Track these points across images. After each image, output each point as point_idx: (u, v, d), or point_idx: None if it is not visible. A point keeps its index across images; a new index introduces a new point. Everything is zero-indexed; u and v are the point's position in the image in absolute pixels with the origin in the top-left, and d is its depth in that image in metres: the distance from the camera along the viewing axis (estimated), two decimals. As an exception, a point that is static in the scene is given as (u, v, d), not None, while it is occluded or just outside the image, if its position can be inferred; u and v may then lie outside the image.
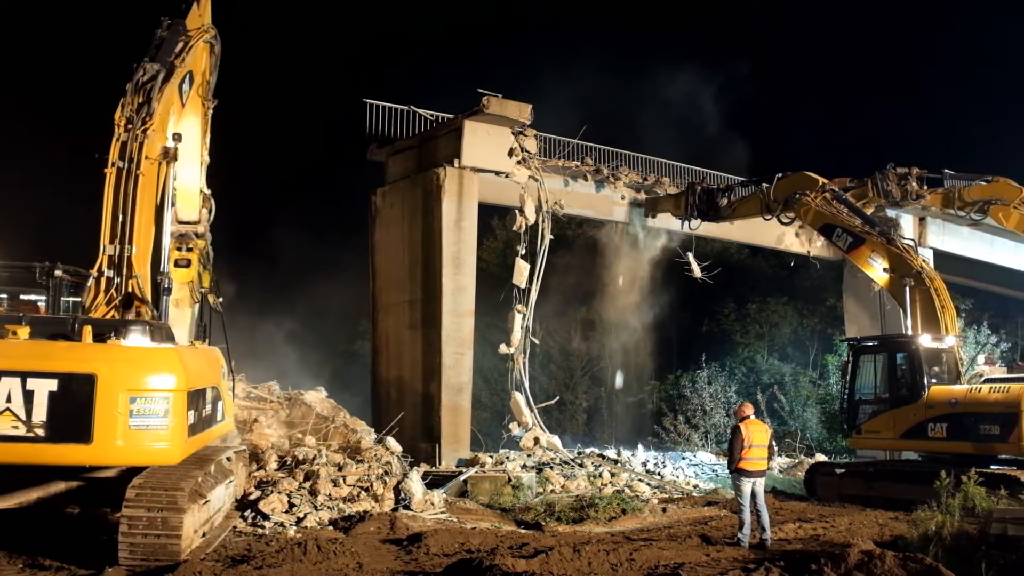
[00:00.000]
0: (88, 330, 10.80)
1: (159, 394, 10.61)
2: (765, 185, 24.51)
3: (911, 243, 22.11)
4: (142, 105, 12.55)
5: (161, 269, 12.56)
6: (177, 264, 13.90)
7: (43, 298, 13.93)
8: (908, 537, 12.63)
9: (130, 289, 11.90)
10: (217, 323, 14.37)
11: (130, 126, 12.38)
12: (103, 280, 11.93)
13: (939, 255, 31.63)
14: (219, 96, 15.02)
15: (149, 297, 11.98)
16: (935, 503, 13.73)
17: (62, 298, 13.57)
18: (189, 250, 14.12)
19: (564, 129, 28.45)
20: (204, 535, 11.68)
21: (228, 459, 13.69)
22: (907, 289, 19.96)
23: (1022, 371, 20.36)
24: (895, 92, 67.44)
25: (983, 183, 25.36)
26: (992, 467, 17.41)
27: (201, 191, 14.72)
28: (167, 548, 10.25)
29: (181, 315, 13.99)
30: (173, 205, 13.12)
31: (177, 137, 13.01)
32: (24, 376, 10.28)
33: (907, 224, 31.54)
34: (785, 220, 24.52)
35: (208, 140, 14.95)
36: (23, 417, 10.22)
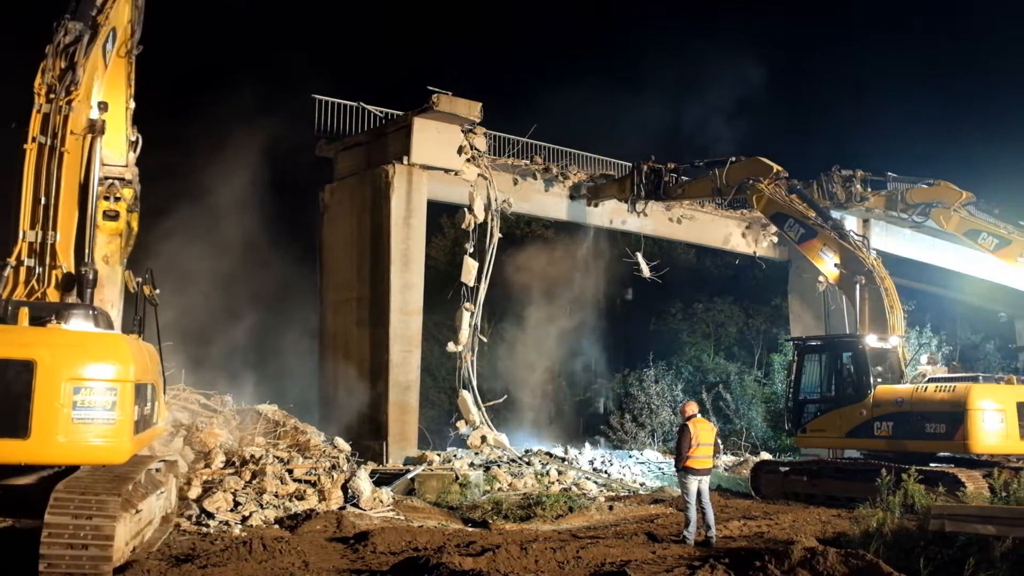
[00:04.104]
0: (25, 312, 9.89)
1: (106, 384, 9.65)
2: (717, 169, 24.16)
3: (863, 240, 22.09)
4: (65, 71, 11.48)
5: (86, 259, 11.50)
6: (105, 215, 12.79)
7: None
8: (850, 534, 12.81)
9: (54, 280, 10.97)
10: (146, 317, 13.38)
11: (52, 95, 11.33)
12: (23, 270, 10.96)
13: (881, 256, 32.00)
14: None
15: (74, 288, 11.07)
16: (877, 500, 13.99)
17: None
18: (117, 200, 13.01)
19: (518, 127, 28.50)
20: (134, 549, 10.77)
21: (157, 469, 12.54)
22: (857, 287, 20.10)
23: (959, 371, 20.72)
24: (841, 95, 68.27)
25: (925, 186, 25.85)
26: (932, 465, 17.73)
27: (127, 137, 13.68)
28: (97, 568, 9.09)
29: (111, 272, 12.99)
30: (100, 183, 12.20)
31: (103, 106, 12.05)
32: None
33: (851, 226, 31.92)
34: (736, 204, 24.34)
35: (133, 85, 13.87)
36: None
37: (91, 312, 10.43)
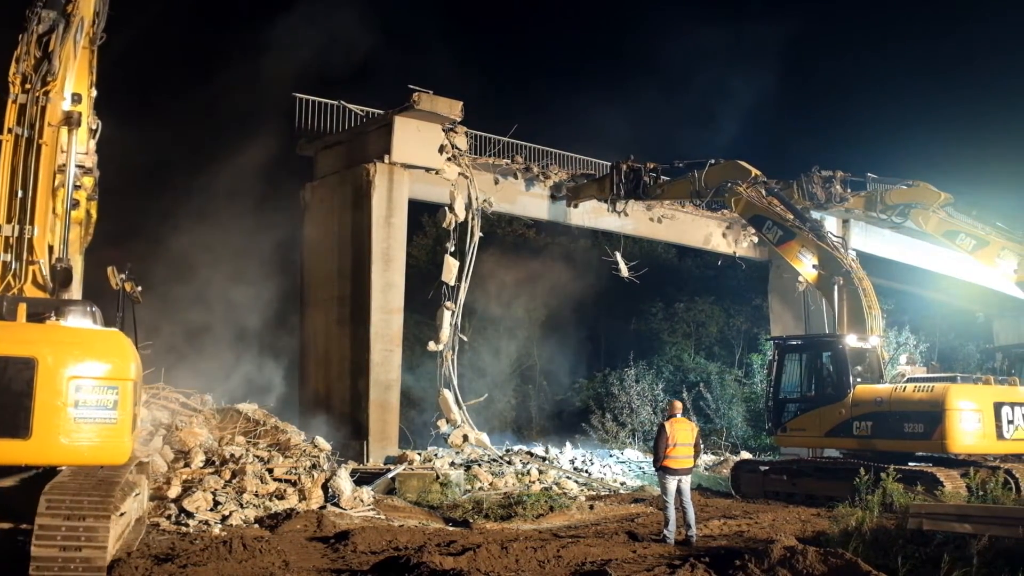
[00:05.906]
0: (23, 308, 9.59)
1: (109, 383, 9.38)
2: (696, 171, 24.23)
3: (840, 241, 22.26)
4: (41, 61, 11.17)
5: (59, 254, 11.10)
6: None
7: None
8: (829, 533, 12.87)
9: (31, 276, 10.65)
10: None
11: (27, 86, 11.01)
12: None
13: (861, 257, 32.19)
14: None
15: (51, 283, 10.78)
16: (856, 499, 14.06)
17: None
18: (77, 187, 12.49)
19: (499, 126, 28.49)
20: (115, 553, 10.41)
21: (130, 471, 11.99)
22: (835, 287, 20.22)
23: (937, 371, 20.86)
24: (821, 97, 68.68)
25: (904, 187, 25.97)
26: (910, 464, 17.85)
27: (88, 125, 13.22)
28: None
29: (72, 262, 12.26)
30: (62, 171, 11.65)
31: (76, 98, 11.71)
32: None
33: (831, 226, 32.02)
34: (714, 207, 24.43)
35: (95, 72, 13.47)
36: None
37: (88, 308, 10.13)
